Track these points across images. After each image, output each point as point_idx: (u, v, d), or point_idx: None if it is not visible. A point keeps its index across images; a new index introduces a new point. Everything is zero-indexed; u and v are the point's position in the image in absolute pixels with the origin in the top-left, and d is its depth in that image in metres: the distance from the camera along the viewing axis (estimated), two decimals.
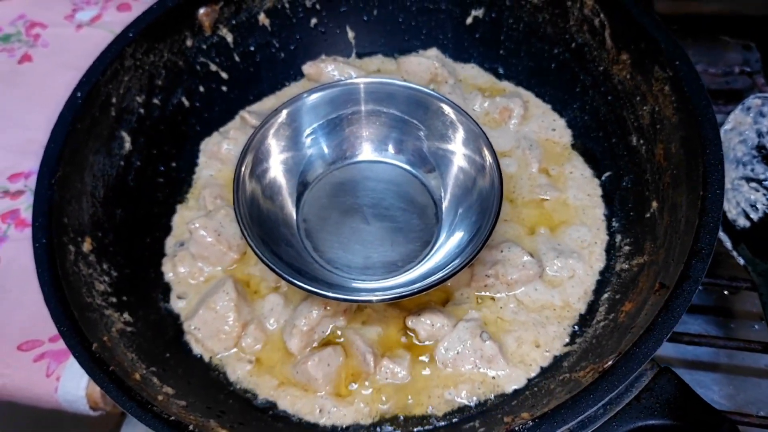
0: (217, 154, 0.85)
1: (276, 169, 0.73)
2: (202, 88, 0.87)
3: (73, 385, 0.76)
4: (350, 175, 0.76)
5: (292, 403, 0.67)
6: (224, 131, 0.87)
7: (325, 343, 0.70)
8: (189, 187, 0.84)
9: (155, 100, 0.82)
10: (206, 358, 0.71)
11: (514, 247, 0.71)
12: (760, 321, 0.82)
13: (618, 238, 0.74)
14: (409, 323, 0.69)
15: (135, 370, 0.62)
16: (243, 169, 0.68)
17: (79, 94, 0.73)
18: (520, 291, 0.71)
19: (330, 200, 0.74)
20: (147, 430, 0.56)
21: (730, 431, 0.52)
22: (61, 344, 0.78)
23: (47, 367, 0.78)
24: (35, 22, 1.13)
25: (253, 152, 0.70)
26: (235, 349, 0.71)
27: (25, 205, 0.92)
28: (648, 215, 0.70)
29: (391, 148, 0.76)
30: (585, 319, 0.70)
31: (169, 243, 0.80)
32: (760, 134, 0.79)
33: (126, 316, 0.69)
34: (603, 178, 0.78)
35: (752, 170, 0.78)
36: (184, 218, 0.81)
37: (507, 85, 0.88)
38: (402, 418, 0.66)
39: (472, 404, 0.66)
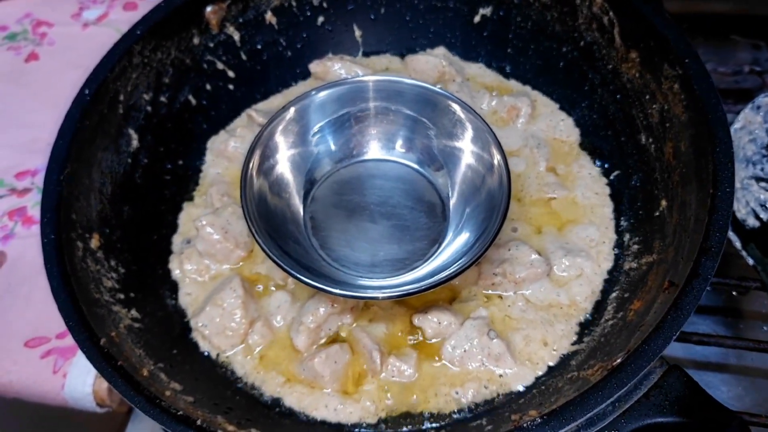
0: (224, 152, 0.85)
1: (283, 166, 0.73)
2: (209, 86, 0.87)
3: (79, 382, 0.76)
4: (357, 173, 0.76)
5: (298, 399, 0.67)
6: (231, 129, 0.87)
7: (332, 340, 0.70)
8: (196, 184, 0.84)
9: (162, 98, 0.82)
10: (213, 355, 0.71)
11: (522, 245, 0.71)
12: None
13: (626, 236, 0.73)
14: (416, 321, 0.69)
15: (143, 365, 0.62)
16: (250, 166, 0.68)
17: (87, 91, 0.73)
18: (528, 289, 0.71)
19: (337, 198, 0.74)
20: (153, 429, 0.56)
21: (740, 429, 0.52)
22: (68, 341, 0.78)
23: (54, 364, 0.78)
24: (42, 21, 1.14)
25: (261, 149, 0.70)
26: (242, 346, 0.71)
27: (32, 203, 0.93)
28: (657, 214, 0.70)
29: (398, 146, 0.76)
30: (593, 318, 0.69)
31: (176, 240, 0.80)
32: None
33: (134, 312, 0.69)
34: (611, 176, 0.78)
35: (762, 169, 0.77)
36: (190, 216, 0.81)
37: (515, 84, 0.88)
38: (409, 416, 0.66)
39: (479, 402, 0.66)
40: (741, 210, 0.76)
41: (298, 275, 0.61)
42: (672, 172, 0.69)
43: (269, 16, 0.88)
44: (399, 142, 0.76)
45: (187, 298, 0.75)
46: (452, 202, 0.72)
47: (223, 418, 0.60)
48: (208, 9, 0.83)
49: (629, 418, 0.53)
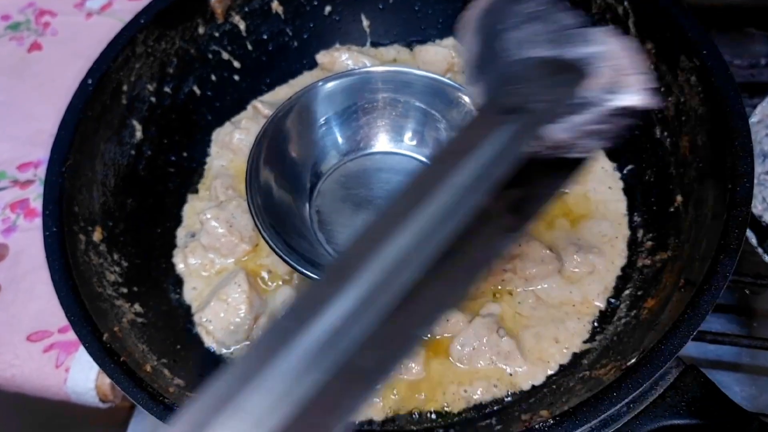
0: (229, 145, 0.84)
1: (289, 159, 0.72)
2: (213, 77, 0.85)
3: (82, 377, 0.75)
4: (365, 166, 0.75)
5: None
6: (236, 121, 0.86)
7: None
8: (200, 177, 0.83)
9: (166, 89, 0.81)
10: (217, 351, 0.70)
11: (533, 241, 0.70)
12: None
13: (640, 232, 0.72)
14: None
15: (146, 361, 0.61)
16: (256, 158, 0.67)
17: (89, 81, 0.72)
18: (539, 286, 0.69)
19: (344, 192, 0.73)
20: (155, 425, 0.55)
21: (761, 431, 0.50)
22: (70, 335, 0.78)
23: (57, 359, 0.77)
24: (44, 10, 1.12)
25: (266, 141, 0.69)
26: (246, 342, 0.69)
27: (34, 195, 0.91)
28: (672, 210, 0.68)
29: (407, 139, 0.75)
30: (605, 316, 0.68)
31: (180, 234, 0.78)
32: None
33: (137, 306, 0.68)
34: (624, 171, 0.76)
35: None
36: (195, 209, 0.80)
37: None
38: (416, 414, 0.65)
39: (488, 401, 0.64)
40: (758, 206, 0.74)
41: (304, 270, 0.60)
42: (688, 166, 0.67)
43: (275, 6, 0.86)
44: (408, 135, 0.75)
45: (191, 293, 0.74)
46: None
47: None
48: None
49: (644, 419, 0.52)
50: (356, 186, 0.73)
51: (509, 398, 0.64)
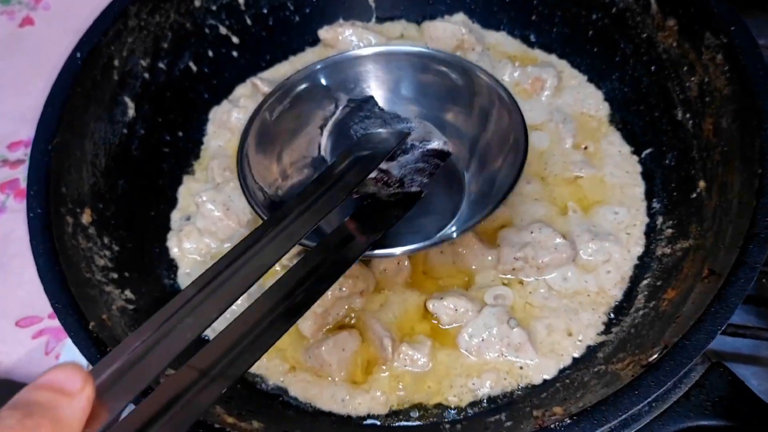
0: (227, 124, 0.80)
1: (288, 140, 0.68)
2: (211, 53, 0.82)
3: None
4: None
5: (303, 389, 0.63)
6: (234, 99, 0.83)
7: (341, 326, 0.66)
8: (196, 158, 0.80)
9: (161, 65, 0.77)
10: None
11: (546, 228, 0.66)
12: None
13: (659, 219, 0.68)
14: (431, 307, 0.64)
15: None
16: (249, 140, 0.64)
17: (78, 55, 0.68)
18: (551, 275, 0.66)
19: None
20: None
21: None
22: None
23: (46, 345, 0.75)
24: None
25: (259, 123, 0.65)
26: None
27: (24, 175, 0.88)
28: (694, 196, 0.64)
29: (414, 119, 0.71)
30: (622, 307, 0.65)
31: (175, 217, 0.75)
32: None
33: (128, 293, 0.64)
34: (643, 155, 0.73)
35: None
36: (190, 191, 0.76)
37: (539, 54, 0.82)
38: (421, 408, 0.62)
39: (497, 395, 0.62)
40: None
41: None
42: (712, 150, 0.63)
43: None
44: (414, 116, 0.71)
45: (186, 279, 0.71)
46: (469, 174, 0.67)
47: (222, 408, 0.56)
48: None
49: (667, 420, 0.49)
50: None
51: (519, 392, 0.61)
